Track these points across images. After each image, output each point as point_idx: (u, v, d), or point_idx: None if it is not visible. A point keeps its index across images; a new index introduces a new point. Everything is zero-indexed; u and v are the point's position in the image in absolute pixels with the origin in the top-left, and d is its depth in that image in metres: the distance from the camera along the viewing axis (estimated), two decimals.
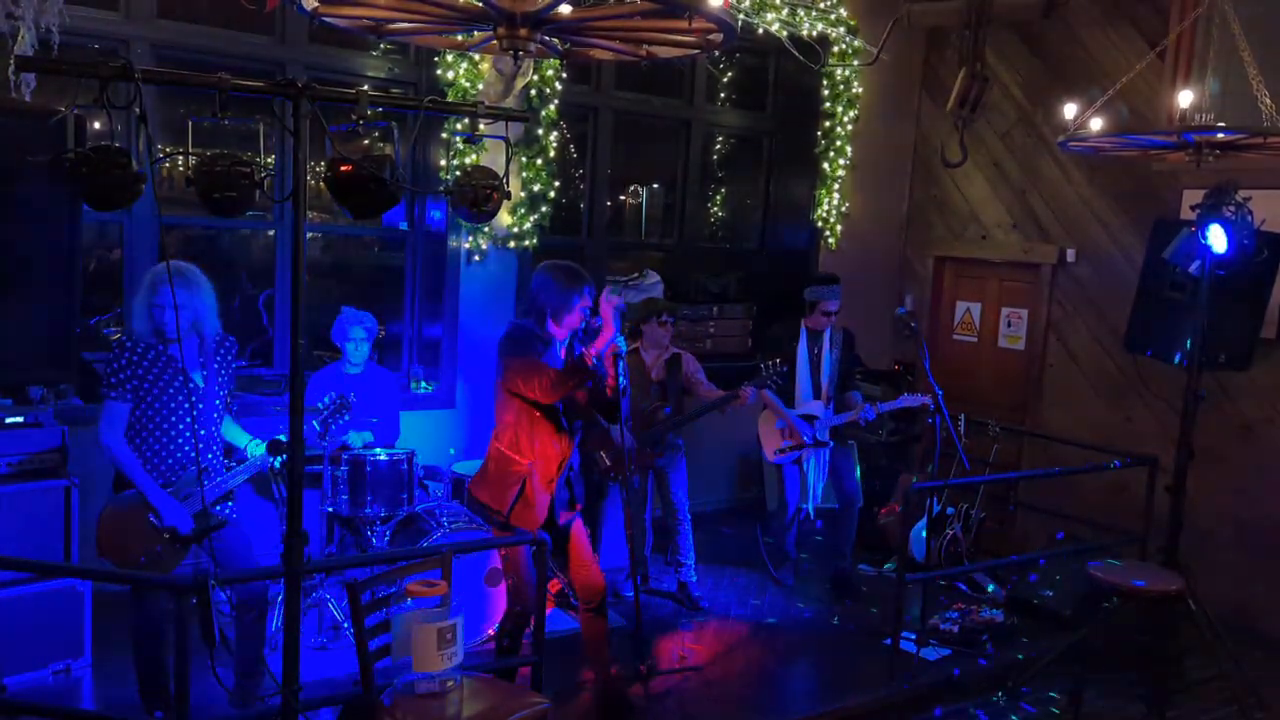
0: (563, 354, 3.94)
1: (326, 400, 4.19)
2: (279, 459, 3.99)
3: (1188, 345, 4.86)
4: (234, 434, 4.06)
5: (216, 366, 3.87)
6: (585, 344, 3.79)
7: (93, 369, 5.03)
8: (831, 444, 5.57)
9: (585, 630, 4.11)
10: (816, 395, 5.53)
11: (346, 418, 4.23)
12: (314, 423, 4.14)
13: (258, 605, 3.89)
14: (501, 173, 2.76)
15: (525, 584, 3.90)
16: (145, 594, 3.73)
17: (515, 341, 3.83)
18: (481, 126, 2.85)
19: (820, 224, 7.08)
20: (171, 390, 3.73)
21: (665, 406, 5.32)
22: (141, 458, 3.71)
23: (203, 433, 3.80)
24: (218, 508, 3.83)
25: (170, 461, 3.75)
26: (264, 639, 3.96)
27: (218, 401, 3.88)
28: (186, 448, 3.76)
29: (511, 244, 5.84)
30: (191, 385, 3.76)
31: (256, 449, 3.99)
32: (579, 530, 4.08)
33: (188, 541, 3.70)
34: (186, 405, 3.74)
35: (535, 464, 3.88)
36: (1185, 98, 4.85)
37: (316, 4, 2.61)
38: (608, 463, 5.30)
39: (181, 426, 3.74)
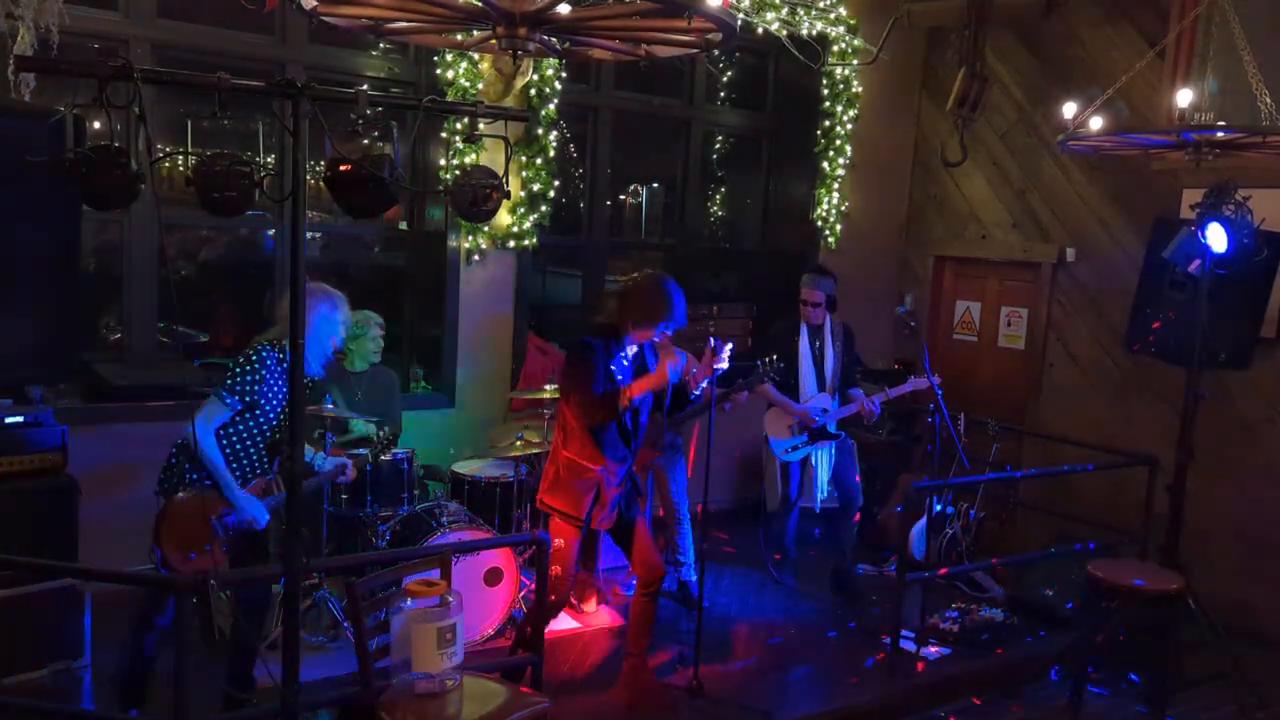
0: (631, 360, 4.08)
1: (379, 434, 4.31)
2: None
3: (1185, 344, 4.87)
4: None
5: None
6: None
7: (92, 368, 5.03)
8: (843, 434, 5.57)
9: (635, 612, 4.30)
10: (821, 388, 5.53)
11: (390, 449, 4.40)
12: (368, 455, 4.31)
13: (260, 607, 3.88)
14: (501, 172, 2.76)
15: (568, 576, 4.11)
16: (155, 592, 3.72)
17: (572, 356, 4.03)
18: (481, 126, 2.85)
19: (820, 224, 7.07)
20: (276, 407, 3.73)
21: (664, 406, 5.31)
22: (234, 458, 3.69)
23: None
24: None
25: (256, 466, 3.77)
26: (258, 642, 3.93)
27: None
28: (266, 460, 3.80)
29: (511, 244, 5.84)
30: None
31: (321, 463, 4.09)
32: (643, 520, 4.32)
33: (258, 537, 3.74)
34: (282, 415, 3.76)
35: (606, 468, 4.01)
36: (1185, 97, 4.85)
37: (316, 3, 2.61)
38: None
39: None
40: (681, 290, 4.02)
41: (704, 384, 4.19)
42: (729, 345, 4.13)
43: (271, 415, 3.74)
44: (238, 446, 3.71)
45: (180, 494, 3.64)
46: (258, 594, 3.85)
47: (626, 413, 4.01)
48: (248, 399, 3.65)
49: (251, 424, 3.71)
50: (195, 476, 3.65)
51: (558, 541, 4.09)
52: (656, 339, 4.06)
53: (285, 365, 3.71)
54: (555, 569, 4.06)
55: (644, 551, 4.23)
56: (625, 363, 4.05)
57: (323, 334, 3.76)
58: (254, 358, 3.67)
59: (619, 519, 4.18)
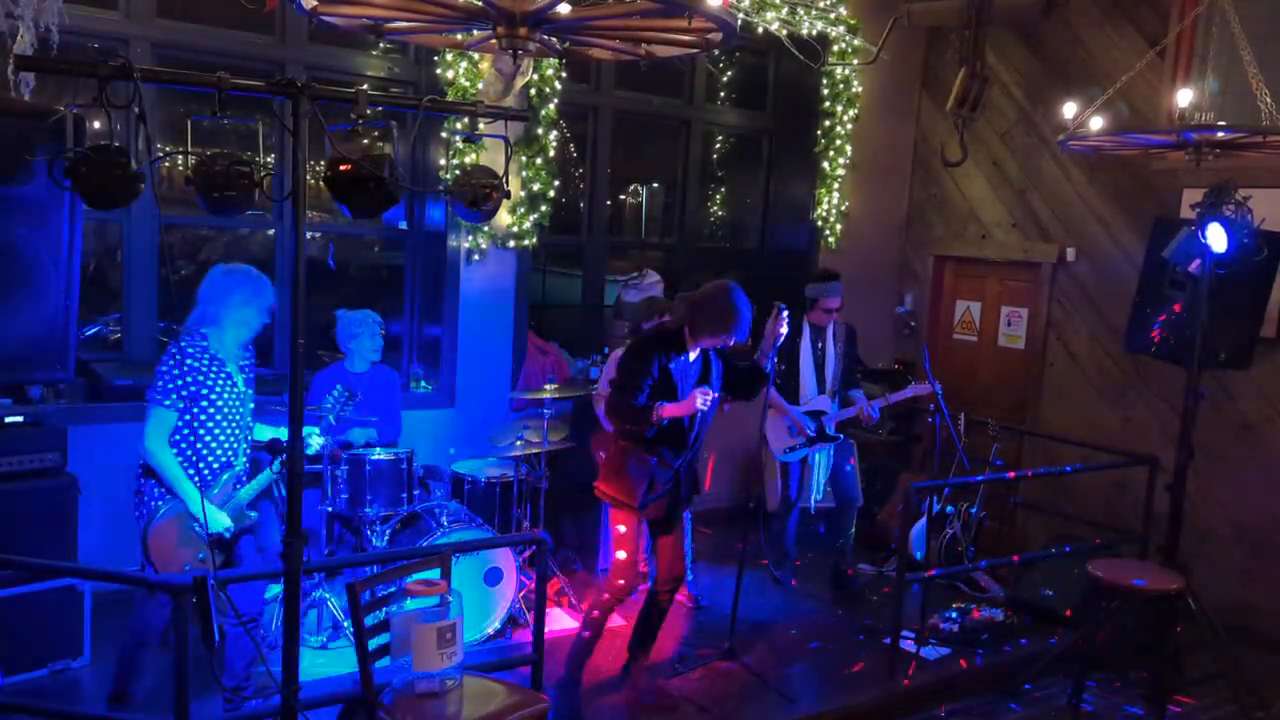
0: (693, 364, 4.17)
1: (335, 394, 4.22)
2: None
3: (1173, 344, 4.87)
4: (262, 433, 4.04)
5: (246, 367, 3.84)
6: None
7: (92, 369, 5.03)
8: (841, 437, 5.57)
9: (648, 611, 4.41)
10: (821, 390, 5.53)
11: (351, 410, 4.28)
12: (329, 417, 4.20)
13: (255, 615, 3.86)
14: (501, 172, 2.76)
15: (634, 559, 4.20)
16: (151, 598, 3.70)
17: (627, 355, 4.13)
18: (481, 126, 2.85)
19: (820, 224, 7.07)
20: (219, 393, 3.68)
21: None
22: (184, 459, 3.65)
23: (241, 434, 3.79)
24: (250, 511, 3.82)
25: (215, 464, 3.71)
26: (255, 651, 3.91)
27: (250, 404, 3.85)
28: (228, 452, 3.75)
29: (511, 243, 5.84)
30: (240, 391, 3.74)
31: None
32: (685, 519, 4.54)
33: (226, 544, 3.71)
34: (237, 411, 3.72)
35: (660, 457, 4.11)
36: (1185, 97, 4.85)
37: (315, 3, 2.61)
38: None
39: (227, 428, 3.72)
40: (749, 302, 4.08)
41: (771, 354, 4.24)
42: (786, 311, 4.20)
43: (219, 403, 3.66)
44: (198, 445, 3.65)
45: (159, 517, 3.60)
46: (250, 597, 3.82)
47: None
48: (185, 393, 3.58)
49: (204, 417, 3.64)
50: (159, 492, 3.62)
51: (619, 528, 4.19)
52: (722, 345, 4.17)
53: (210, 352, 3.66)
54: (621, 554, 4.20)
55: (676, 551, 4.32)
56: (686, 365, 4.12)
57: (237, 318, 3.67)
58: (174, 352, 3.61)
59: (665, 512, 4.24)
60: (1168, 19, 5.88)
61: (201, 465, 3.68)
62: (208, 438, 3.68)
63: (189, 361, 3.61)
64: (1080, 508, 6.19)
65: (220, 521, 3.67)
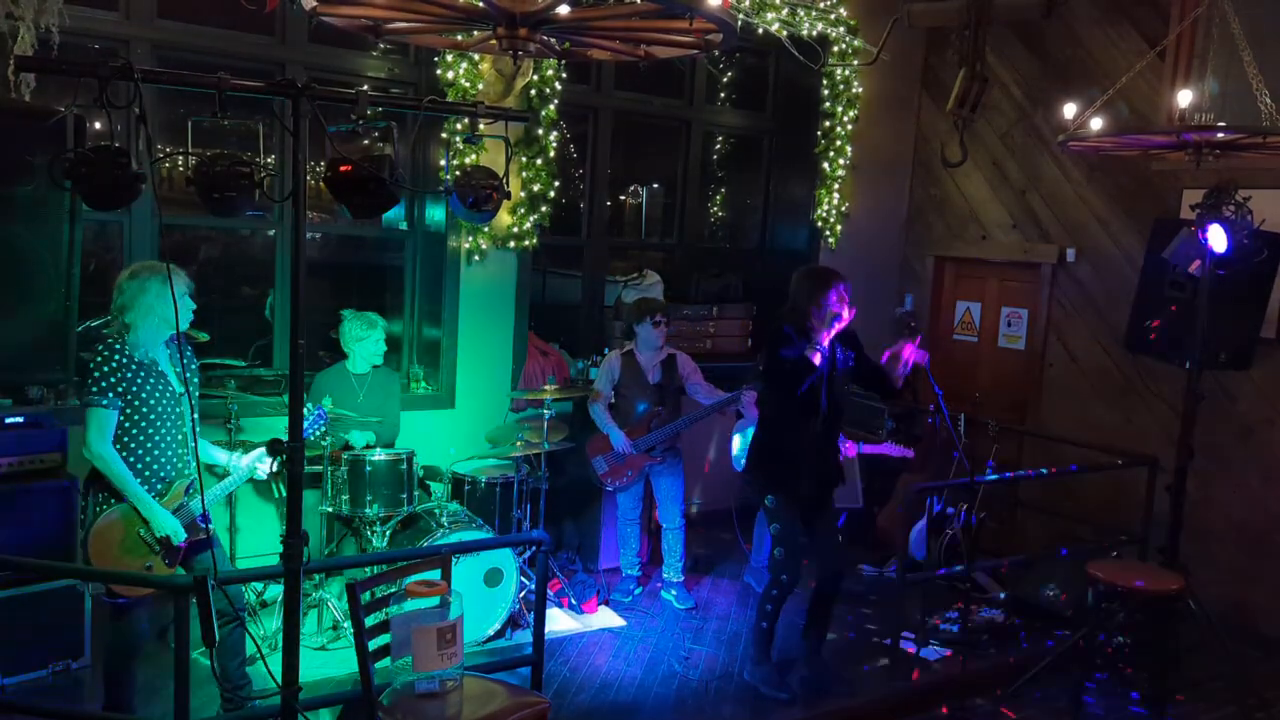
0: (825, 347, 4.38)
1: (315, 413, 4.20)
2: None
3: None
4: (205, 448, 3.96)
5: (182, 368, 3.73)
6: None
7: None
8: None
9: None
10: None
11: (323, 428, 4.28)
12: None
13: (236, 615, 3.84)
14: (501, 173, 2.77)
15: None
16: (130, 609, 3.65)
17: (769, 344, 4.36)
18: (481, 126, 2.85)
19: (820, 224, 7.08)
20: (163, 400, 3.61)
21: (660, 410, 5.31)
22: (145, 468, 3.59)
23: (185, 439, 3.71)
24: (202, 523, 3.72)
25: (161, 473, 3.64)
26: (244, 650, 3.90)
27: (190, 409, 3.74)
28: (174, 459, 3.68)
29: (511, 244, 5.84)
30: (176, 393, 3.65)
31: (237, 461, 3.92)
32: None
33: (178, 552, 3.65)
34: (173, 414, 3.64)
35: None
36: (1185, 97, 4.85)
37: (315, 3, 2.61)
38: (606, 467, 5.29)
39: (169, 437, 3.64)
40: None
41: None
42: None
43: (158, 408, 3.59)
44: (141, 454, 3.59)
45: (101, 519, 3.54)
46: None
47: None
48: (118, 393, 3.51)
49: (144, 424, 3.58)
50: (104, 497, 3.56)
51: None
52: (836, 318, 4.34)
53: (138, 358, 3.57)
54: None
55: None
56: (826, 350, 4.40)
57: (161, 313, 3.54)
58: (104, 350, 3.54)
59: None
60: (1168, 19, 5.88)
61: (150, 475, 3.61)
62: (149, 444, 3.60)
63: (123, 359, 3.53)
64: (1080, 508, 6.19)
65: (168, 524, 3.58)
